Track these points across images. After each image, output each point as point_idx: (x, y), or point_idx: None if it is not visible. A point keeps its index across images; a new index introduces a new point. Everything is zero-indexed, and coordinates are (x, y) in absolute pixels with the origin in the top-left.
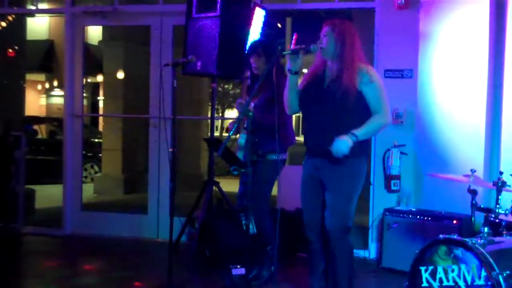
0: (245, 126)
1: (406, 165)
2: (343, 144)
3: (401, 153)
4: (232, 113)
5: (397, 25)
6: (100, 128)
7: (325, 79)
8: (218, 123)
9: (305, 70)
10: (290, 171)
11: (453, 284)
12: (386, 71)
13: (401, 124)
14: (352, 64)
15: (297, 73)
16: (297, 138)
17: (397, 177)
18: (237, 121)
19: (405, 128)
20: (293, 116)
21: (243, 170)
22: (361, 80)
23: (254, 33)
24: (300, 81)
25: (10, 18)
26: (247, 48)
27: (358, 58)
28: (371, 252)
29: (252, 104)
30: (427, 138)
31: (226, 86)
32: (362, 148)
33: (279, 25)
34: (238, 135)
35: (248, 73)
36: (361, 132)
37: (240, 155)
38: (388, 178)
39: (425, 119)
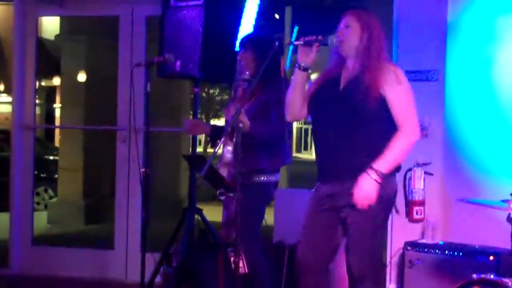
0: (234, 139)
1: (431, 189)
2: (367, 191)
3: (426, 173)
4: (219, 124)
5: (420, 15)
6: (56, 143)
7: (341, 81)
8: (201, 136)
9: (313, 76)
10: (289, 195)
11: None
12: (407, 73)
13: (425, 138)
14: (378, 63)
15: (307, 69)
16: (299, 155)
17: (421, 203)
18: (224, 133)
19: (430, 143)
20: (294, 129)
21: (231, 195)
22: (386, 81)
23: (247, 25)
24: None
25: None
26: (238, 43)
27: (384, 54)
28: None
29: (243, 111)
30: (456, 155)
31: (211, 91)
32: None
33: (276, 16)
34: (220, 149)
35: (247, 74)
36: (384, 164)
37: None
38: (410, 205)
39: (454, 131)
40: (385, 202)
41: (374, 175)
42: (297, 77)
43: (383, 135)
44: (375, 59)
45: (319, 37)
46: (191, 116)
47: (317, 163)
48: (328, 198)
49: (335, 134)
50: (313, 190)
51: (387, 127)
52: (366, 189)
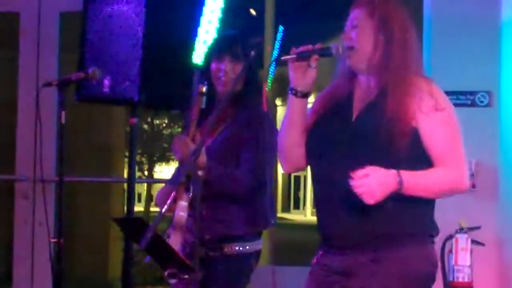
0: (190, 191)
1: (483, 266)
2: (378, 183)
3: (474, 242)
4: (167, 171)
5: (462, 12)
6: None
7: (354, 106)
8: (141, 188)
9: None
10: (273, 276)
11: None
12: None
13: (472, 190)
14: (405, 75)
15: (307, 95)
16: (286, 215)
17: (467, 287)
18: (176, 183)
19: (480, 198)
20: (280, 177)
21: (186, 277)
22: (420, 107)
23: (208, 26)
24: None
25: None
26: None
27: (414, 63)
28: None
29: (203, 149)
30: None
31: (156, 122)
32: (423, 222)
33: (252, 11)
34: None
35: (205, 85)
36: (411, 178)
37: (175, 245)
38: None
39: None
40: (419, 284)
41: (397, 180)
42: (294, 108)
43: None
44: (399, 73)
45: (317, 45)
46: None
47: (320, 225)
48: (337, 276)
49: (346, 188)
50: (314, 262)
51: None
52: (378, 180)
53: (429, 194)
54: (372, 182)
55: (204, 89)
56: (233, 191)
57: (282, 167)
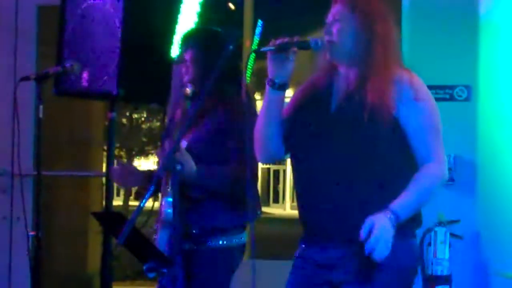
0: (169, 186)
1: (461, 258)
2: (385, 237)
3: (452, 236)
4: (146, 165)
5: (442, 6)
6: None
7: (333, 97)
8: None
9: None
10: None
11: None
12: None
13: (451, 184)
14: (386, 69)
15: (283, 86)
16: (266, 209)
17: (446, 280)
18: (155, 180)
19: (458, 191)
20: (259, 171)
21: (165, 271)
22: (399, 97)
23: (187, 20)
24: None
25: None
26: (176, 45)
27: (394, 58)
28: None
29: (184, 143)
30: (497, 209)
31: (135, 116)
32: (412, 218)
33: (231, 6)
34: (155, 204)
35: (190, 88)
36: (404, 206)
37: (162, 241)
38: (430, 281)
39: (493, 175)
40: (402, 277)
41: (392, 218)
42: (270, 99)
43: (398, 176)
44: (379, 65)
45: (296, 38)
46: (115, 161)
47: (302, 220)
48: (320, 269)
49: (328, 178)
50: (296, 256)
51: (402, 164)
52: (384, 235)
53: (422, 205)
54: (379, 238)
55: (189, 92)
56: (215, 189)
57: (257, 157)
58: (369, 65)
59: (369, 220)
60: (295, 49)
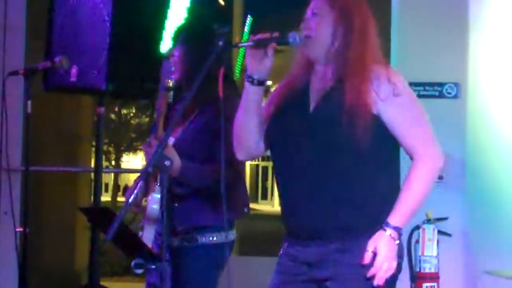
0: (158, 182)
1: (449, 256)
2: (390, 257)
3: (440, 233)
4: (135, 161)
5: (431, 3)
6: None
7: (310, 95)
8: (108, 178)
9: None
10: (242, 266)
11: None
12: (411, 86)
13: (440, 182)
14: (363, 66)
15: (262, 83)
16: (254, 206)
17: (434, 277)
18: (144, 176)
19: (447, 189)
20: (248, 168)
21: (153, 267)
22: (378, 94)
23: (176, 15)
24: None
25: None
26: (165, 39)
27: (372, 55)
28: None
29: (171, 140)
30: (485, 207)
31: (124, 112)
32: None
33: (220, 1)
34: (145, 200)
35: (172, 79)
36: (404, 215)
37: (149, 236)
38: (417, 279)
39: (482, 172)
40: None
41: (393, 235)
42: (249, 96)
43: (379, 175)
44: (357, 61)
45: (275, 34)
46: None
47: (283, 217)
48: (304, 266)
49: (307, 179)
50: (280, 253)
51: (389, 160)
52: (388, 255)
53: (421, 205)
54: (384, 261)
55: (171, 83)
56: (200, 186)
57: (236, 154)
58: (346, 62)
59: (371, 244)
60: (274, 44)
